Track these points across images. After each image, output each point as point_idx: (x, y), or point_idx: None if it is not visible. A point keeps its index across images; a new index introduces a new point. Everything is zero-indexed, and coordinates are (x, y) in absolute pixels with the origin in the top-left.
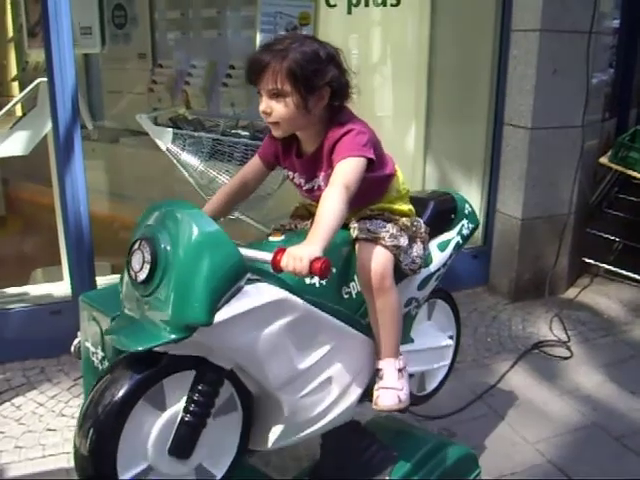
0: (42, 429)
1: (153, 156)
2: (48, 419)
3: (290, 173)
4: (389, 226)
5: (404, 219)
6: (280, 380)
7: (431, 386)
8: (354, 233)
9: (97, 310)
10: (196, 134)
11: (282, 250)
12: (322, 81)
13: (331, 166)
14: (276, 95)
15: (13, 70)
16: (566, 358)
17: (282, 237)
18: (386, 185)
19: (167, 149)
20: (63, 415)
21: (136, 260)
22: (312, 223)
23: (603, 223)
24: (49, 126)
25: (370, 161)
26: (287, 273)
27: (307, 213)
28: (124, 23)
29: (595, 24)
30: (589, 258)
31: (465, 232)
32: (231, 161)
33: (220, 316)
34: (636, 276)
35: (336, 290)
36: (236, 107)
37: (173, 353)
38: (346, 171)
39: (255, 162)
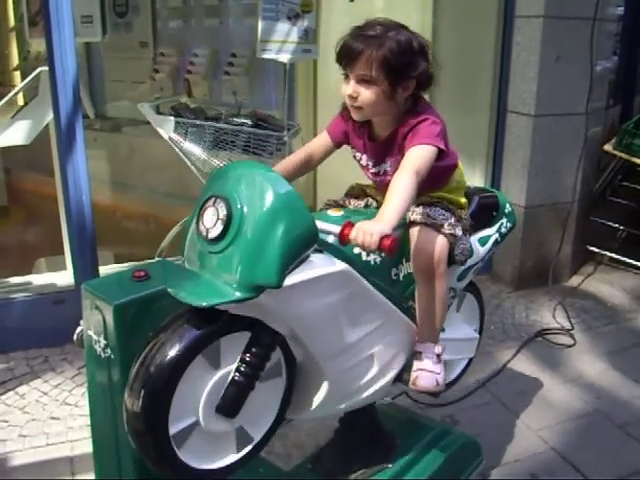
0: (46, 417)
1: (155, 145)
2: (52, 408)
3: (358, 154)
4: (448, 215)
5: (460, 210)
6: (329, 351)
7: (450, 376)
8: (413, 217)
9: (100, 298)
10: (198, 122)
11: (350, 224)
12: (413, 73)
13: (401, 152)
14: (365, 81)
15: (15, 59)
16: (569, 346)
17: (341, 213)
18: (449, 175)
19: (169, 138)
20: (67, 404)
21: (209, 216)
22: (366, 204)
23: (607, 211)
24: (50, 115)
25: (440, 151)
26: (354, 245)
27: (362, 193)
28: (125, 12)
29: (599, 11)
30: (593, 246)
31: (504, 230)
32: (234, 149)
33: (288, 280)
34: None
35: (387, 271)
36: (238, 95)
37: (233, 312)
38: (418, 157)
39: (323, 138)
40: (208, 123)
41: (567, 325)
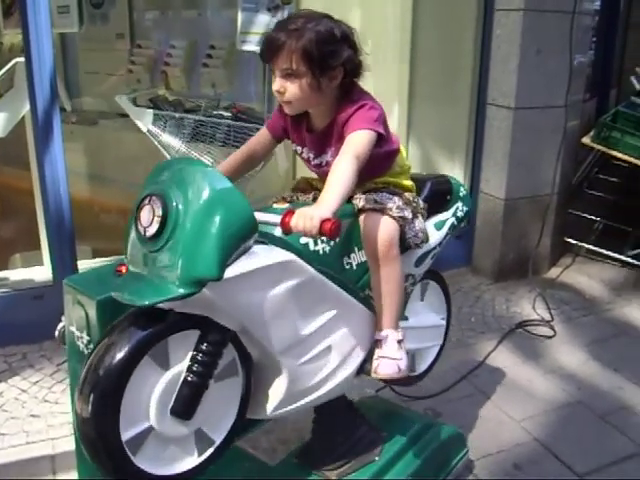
0: (25, 415)
1: (133, 138)
2: (31, 405)
3: (299, 148)
4: (395, 198)
5: (407, 193)
6: (283, 344)
7: (421, 367)
8: (360, 204)
9: (82, 294)
10: (177, 115)
11: (291, 212)
12: (337, 62)
13: (341, 141)
14: (290, 75)
15: None
16: (550, 337)
17: (287, 205)
18: (391, 160)
19: (148, 130)
20: (46, 401)
21: (145, 215)
22: (314, 197)
23: (584, 203)
24: (27, 107)
25: (380, 136)
26: (295, 235)
27: (309, 187)
28: (101, 2)
29: (578, 4)
30: (571, 238)
31: (459, 214)
32: (213, 142)
33: (229, 272)
34: (617, 255)
35: (338, 260)
36: (217, 88)
37: (179, 311)
38: (357, 142)
39: (263, 134)
40: (187, 115)
41: (547, 316)
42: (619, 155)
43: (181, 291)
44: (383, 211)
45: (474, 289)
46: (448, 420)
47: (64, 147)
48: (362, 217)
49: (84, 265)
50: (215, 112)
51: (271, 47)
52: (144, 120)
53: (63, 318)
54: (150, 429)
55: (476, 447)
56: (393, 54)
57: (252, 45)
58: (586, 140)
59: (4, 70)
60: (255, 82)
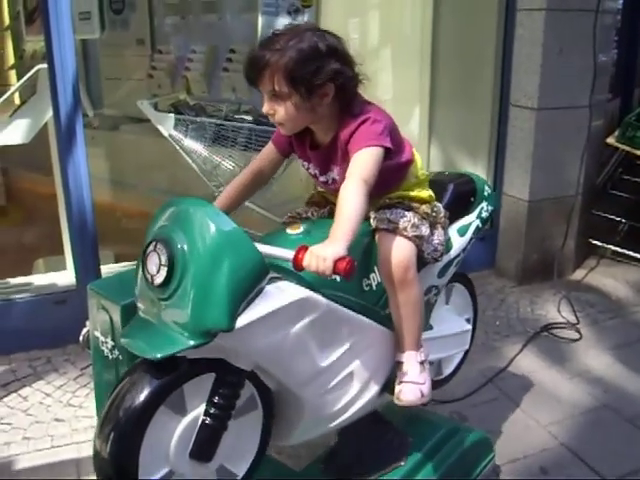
0: (50, 420)
1: (155, 143)
2: (56, 409)
3: (305, 163)
4: (410, 215)
5: (424, 206)
6: (302, 379)
7: (447, 370)
8: (374, 224)
9: (106, 299)
10: (198, 119)
11: (304, 248)
12: (323, 79)
13: (346, 159)
14: (276, 96)
15: (10, 59)
16: (575, 340)
17: (301, 229)
18: (404, 172)
19: (169, 135)
20: (71, 405)
21: (152, 263)
22: (329, 211)
23: (608, 204)
24: (49, 113)
25: (387, 150)
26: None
27: (323, 201)
28: (122, 8)
29: (601, 3)
30: (595, 240)
31: (484, 215)
32: (235, 146)
33: (242, 320)
34: None
35: (357, 283)
36: (238, 92)
37: (193, 357)
38: (363, 163)
39: (269, 150)
40: (209, 120)
41: (572, 319)
42: None
43: (191, 343)
44: (397, 231)
45: (498, 292)
46: (474, 424)
47: (87, 152)
48: (378, 236)
49: (107, 270)
50: (236, 116)
51: (254, 68)
52: (165, 125)
53: (87, 323)
54: (171, 473)
55: (502, 452)
56: (414, 55)
57: None
58: (610, 140)
59: (27, 77)
60: None
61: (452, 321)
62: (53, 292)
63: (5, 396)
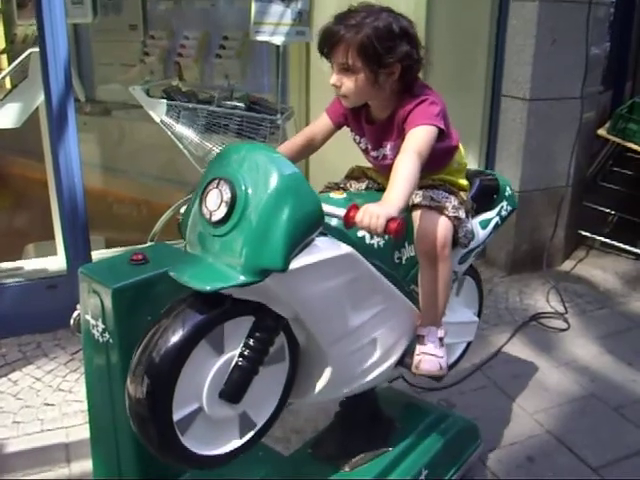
0: (40, 404)
1: (147, 129)
2: (45, 394)
3: (357, 137)
4: (452, 198)
5: (462, 193)
6: (333, 335)
7: (450, 360)
8: (415, 199)
9: (97, 282)
10: (191, 105)
11: (356, 207)
12: (394, 58)
13: (401, 136)
14: (346, 70)
15: (1, 43)
16: (563, 330)
17: (344, 195)
18: (450, 156)
19: (161, 121)
20: (61, 390)
21: (212, 199)
22: (366, 186)
23: (599, 196)
24: (41, 98)
25: (440, 131)
26: (358, 229)
27: (363, 175)
28: None
29: None
30: (585, 231)
31: (504, 213)
32: (227, 133)
33: (293, 264)
34: (631, 248)
35: (390, 254)
36: (230, 78)
37: (237, 297)
38: (419, 138)
39: (323, 120)
40: (201, 106)
41: (561, 309)
42: (635, 147)
43: (244, 279)
44: (440, 210)
45: (487, 281)
46: (462, 412)
47: (78, 138)
48: (416, 213)
49: (98, 255)
50: (228, 103)
51: (328, 41)
52: (157, 111)
53: (78, 306)
54: (199, 410)
55: (489, 439)
56: None
57: (265, 35)
58: (602, 132)
59: (18, 61)
60: (268, 73)
61: (461, 311)
62: (44, 277)
63: None
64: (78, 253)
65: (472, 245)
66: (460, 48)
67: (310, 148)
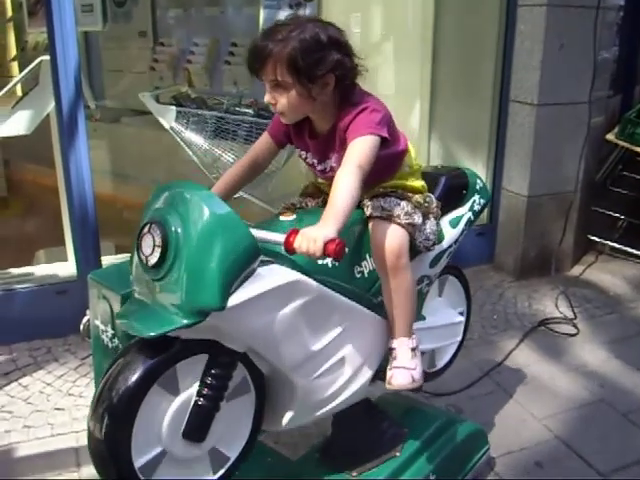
0: (50, 408)
1: (156, 135)
2: (56, 398)
3: (303, 153)
4: (403, 204)
5: (417, 196)
6: (293, 362)
7: (441, 362)
8: (368, 211)
9: (106, 288)
10: (200, 112)
11: (295, 231)
12: (324, 69)
13: (344, 147)
14: (278, 86)
15: (12, 50)
16: (572, 335)
17: (293, 216)
18: (399, 162)
19: (170, 127)
20: (70, 394)
21: (146, 244)
22: (323, 201)
23: (608, 201)
24: (51, 105)
25: (384, 139)
26: (300, 255)
27: (317, 191)
28: (124, 1)
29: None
30: (594, 236)
31: (477, 208)
32: (235, 139)
33: (233, 300)
34: None
35: (348, 269)
36: (239, 85)
37: (186, 337)
38: (360, 150)
39: (265, 140)
40: (210, 112)
41: (570, 314)
42: None
43: (185, 322)
44: (391, 219)
45: (496, 286)
46: (470, 417)
47: (89, 144)
48: (371, 225)
49: (108, 261)
50: (237, 109)
51: (257, 58)
52: (167, 117)
53: (88, 312)
54: (163, 453)
55: (498, 444)
56: (415, 50)
57: None
58: (610, 136)
59: (29, 68)
60: None
61: (444, 313)
62: (54, 283)
63: (6, 385)
64: (88, 259)
65: (444, 245)
66: (468, 53)
67: (256, 170)
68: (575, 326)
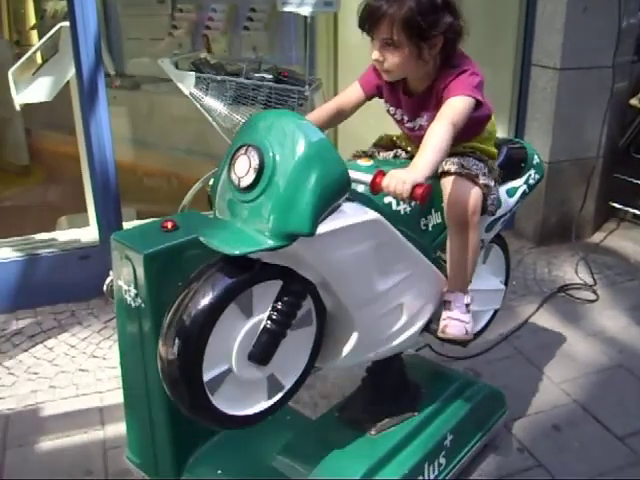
0: (75, 370)
1: (175, 102)
2: (80, 360)
3: (392, 108)
4: (481, 165)
5: (491, 161)
6: (359, 299)
7: (477, 327)
8: (446, 166)
9: (130, 248)
10: (219, 78)
11: (382, 172)
12: (437, 31)
13: (439, 106)
14: (390, 44)
15: (32, 19)
16: (592, 301)
17: (372, 162)
18: (483, 126)
19: (190, 93)
20: (94, 356)
21: (241, 165)
22: (395, 155)
23: (631, 167)
24: (72, 72)
25: (478, 102)
26: (384, 195)
27: (391, 144)
28: None
29: None
30: (616, 202)
31: (531, 182)
32: (255, 105)
33: (320, 229)
34: None
35: (417, 220)
36: (258, 51)
37: (265, 261)
38: (456, 108)
39: (355, 89)
40: (229, 78)
41: (590, 281)
42: None
43: (272, 243)
44: (470, 177)
45: (516, 252)
46: (488, 380)
47: (109, 111)
48: (447, 180)
49: (129, 226)
50: (256, 75)
51: (371, 17)
52: (186, 83)
53: (111, 273)
54: (228, 371)
55: (515, 407)
56: None
57: (293, 6)
58: (634, 102)
59: (49, 34)
60: (296, 44)
61: (488, 279)
62: (77, 248)
63: (32, 347)
64: (110, 224)
65: (499, 213)
66: (490, 16)
67: (340, 117)
68: (595, 292)
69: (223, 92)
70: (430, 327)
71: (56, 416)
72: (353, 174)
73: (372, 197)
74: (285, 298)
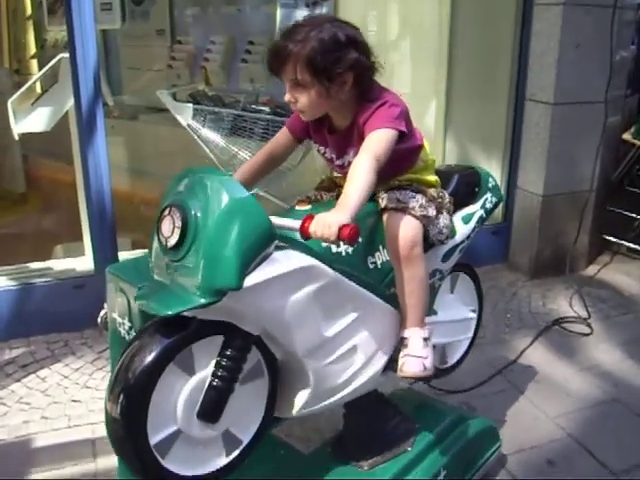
0: (67, 400)
1: (173, 132)
2: (73, 391)
3: (321, 148)
4: (418, 197)
5: (431, 190)
6: (306, 347)
7: (453, 359)
8: (383, 203)
9: (124, 281)
10: (217, 109)
11: (311, 217)
12: (343, 68)
13: (362, 142)
14: (298, 85)
15: (32, 48)
16: (586, 335)
17: (309, 206)
18: (415, 156)
19: (188, 125)
20: (87, 387)
21: (166, 226)
22: (338, 195)
23: (624, 200)
24: (71, 102)
25: (401, 133)
26: (315, 240)
27: (333, 185)
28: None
29: None
30: (610, 235)
31: (488, 206)
32: (252, 137)
33: (249, 281)
34: None
35: (362, 260)
36: (256, 83)
37: (202, 318)
38: (377, 142)
39: (284, 135)
40: (226, 110)
41: (584, 314)
42: None
43: (202, 301)
44: (405, 210)
45: (510, 285)
46: (482, 414)
47: (107, 141)
48: (385, 216)
49: (124, 256)
50: (254, 107)
51: (277, 58)
52: (184, 115)
53: (105, 305)
54: (178, 432)
55: (509, 442)
56: (431, 49)
57: None
58: (627, 136)
59: (49, 65)
60: None
61: (456, 308)
62: (72, 277)
63: (24, 377)
64: (105, 254)
65: (456, 241)
66: (484, 52)
67: (273, 163)
68: (589, 326)
69: (220, 124)
70: (392, 365)
71: (48, 447)
72: (284, 222)
73: (309, 242)
74: (228, 353)
